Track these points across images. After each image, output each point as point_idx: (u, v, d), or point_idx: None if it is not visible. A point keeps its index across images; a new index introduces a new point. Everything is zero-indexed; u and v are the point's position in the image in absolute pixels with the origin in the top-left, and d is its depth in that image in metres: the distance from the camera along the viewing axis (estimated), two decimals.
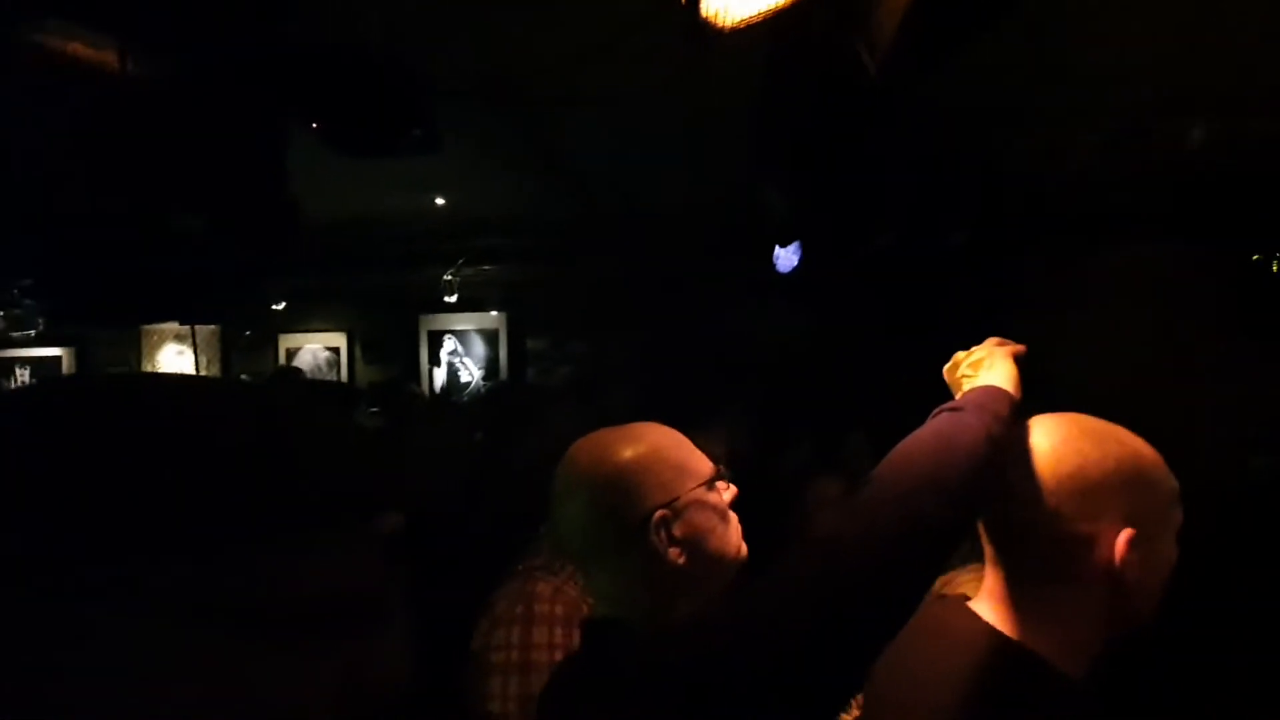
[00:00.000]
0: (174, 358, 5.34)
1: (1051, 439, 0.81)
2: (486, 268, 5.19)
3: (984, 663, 0.77)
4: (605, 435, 0.91)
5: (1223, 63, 2.45)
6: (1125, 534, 0.75)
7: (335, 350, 5.61)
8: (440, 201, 4.17)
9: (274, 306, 5.17)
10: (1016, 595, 0.81)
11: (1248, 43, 2.31)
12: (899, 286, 3.87)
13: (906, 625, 0.68)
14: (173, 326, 5.10)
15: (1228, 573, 2.02)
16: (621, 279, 4.83)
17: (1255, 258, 3.27)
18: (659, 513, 0.83)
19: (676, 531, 0.84)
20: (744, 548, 0.91)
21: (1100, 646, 0.79)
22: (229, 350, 5.51)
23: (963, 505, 0.73)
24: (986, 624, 0.81)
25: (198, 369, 4.92)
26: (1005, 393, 0.83)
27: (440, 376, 5.56)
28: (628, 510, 0.83)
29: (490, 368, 5.53)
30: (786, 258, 3.47)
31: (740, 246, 3.99)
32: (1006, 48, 2.41)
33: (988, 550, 0.87)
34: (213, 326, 5.17)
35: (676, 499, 0.85)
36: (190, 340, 5.08)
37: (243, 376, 5.18)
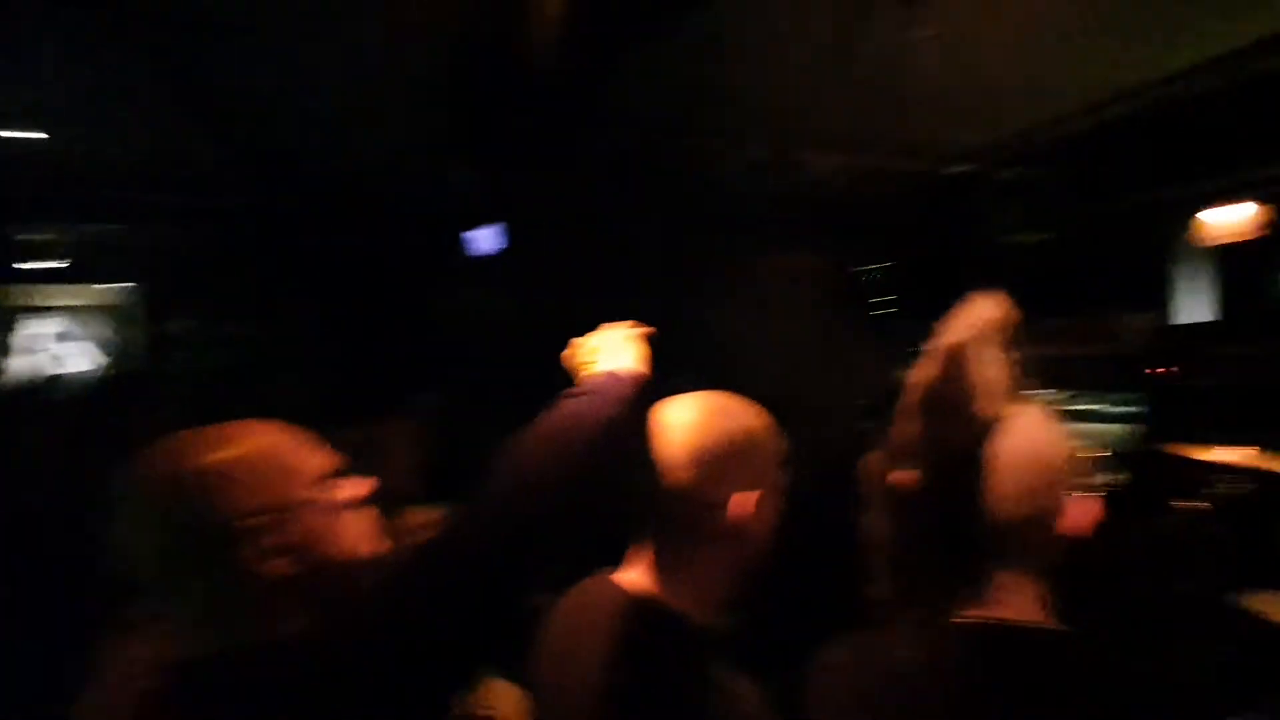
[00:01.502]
0: None
1: (688, 417, 0.90)
2: (112, 227, 4.11)
3: (624, 621, 0.83)
4: (187, 438, 0.77)
5: (842, 107, 3.05)
6: (751, 496, 0.86)
7: None
8: (42, 137, 3.14)
9: None
10: (659, 558, 0.91)
11: (859, 96, 2.91)
12: (597, 275, 4.05)
13: (557, 610, 0.69)
14: None
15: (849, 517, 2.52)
16: (293, 249, 4.20)
17: (860, 268, 4.25)
18: (251, 521, 0.73)
19: (277, 540, 0.75)
20: (368, 544, 0.83)
21: (728, 593, 0.90)
22: None
23: (580, 490, 0.76)
24: (623, 588, 0.88)
25: None
26: (629, 376, 0.88)
27: (38, 365, 4.27)
28: (210, 522, 0.72)
29: (119, 354, 4.41)
30: (481, 240, 3.39)
31: (437, 226, 3.79)
32: (681, 69, 2.69)
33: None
34: None
35: (275, 504, 0.76)
36: None
37: None
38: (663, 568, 0.89)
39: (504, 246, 3.47)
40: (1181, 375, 3.45)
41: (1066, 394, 4.02)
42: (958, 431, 0.87)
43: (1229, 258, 3.62)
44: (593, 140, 3.02)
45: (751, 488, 0.87)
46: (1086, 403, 3.95)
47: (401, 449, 1.68)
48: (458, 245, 3.44)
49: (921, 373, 0.94)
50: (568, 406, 0.82)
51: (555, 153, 2.81)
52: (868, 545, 0.91)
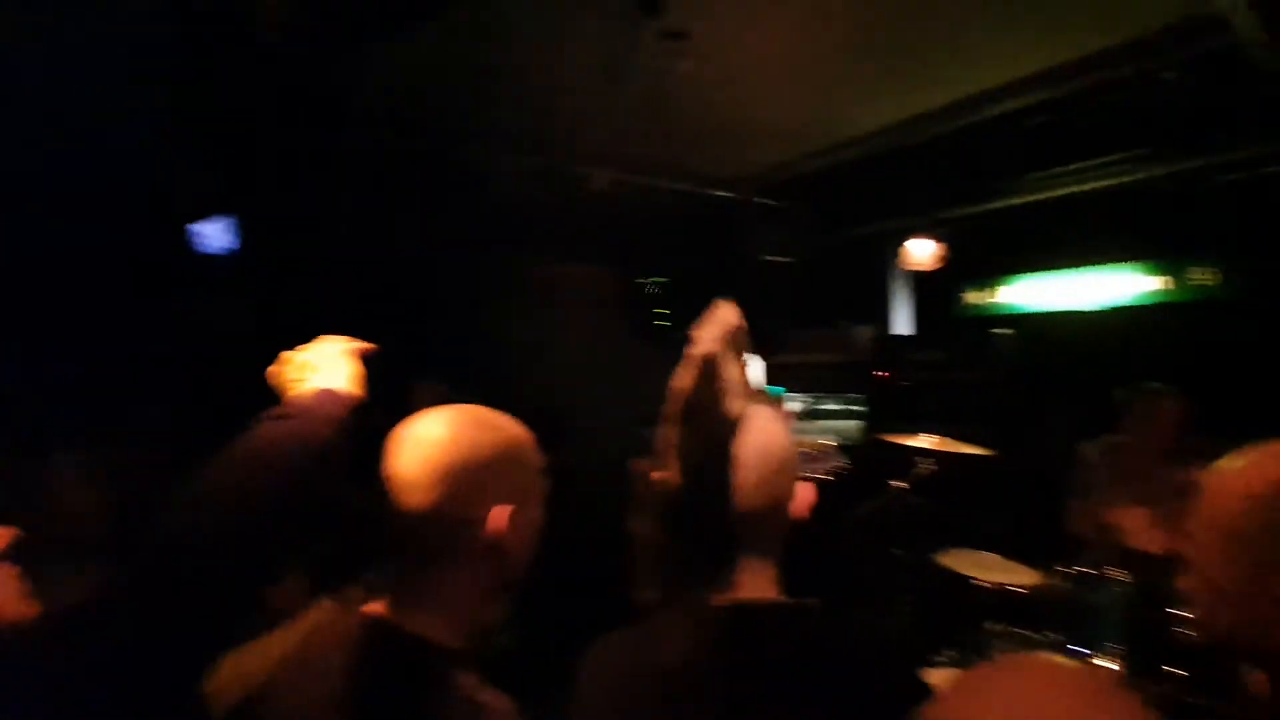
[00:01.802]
0: None
1: (435, 431, 0.84)
2: None
3: (364, 651, 0.78)
4: None
5: (616, 127, 3.20)
6: (505, 510, 0.82)
7: None
8: None
9: None
10: (408, 582, 0.84)
11: (632, 119, 3.06)
12: (345, 280, 3.73)
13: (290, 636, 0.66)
14: None
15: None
16: None
17: (640, 280, 4.48)
18: None
19: None
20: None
21: (484, 612, 0.85)
22: None
23: (280, 513, 0.71)
24: (361, 615, 0.82)
25: None
26: (341, 395, 0.82)
27: None
28: None
29: None
30: (210, 237, 2.93)
31: (162, 223, 3.22)
32: (452, 72, 2.63)
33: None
34: None
35: None
36: None
37: None
38: (413, 591, 0.83)
39: (236, 245, 3.04)
40: (892, 377, 4.18)
41: (811, 395, 4.66)
42: (710, 432, 0.94)
43: (923, 281, 4.47)
44: (347, 136, 2.81)
45: (507, 501, 0.83)
46: (827, 402, 4.62)
47: (75, 485, 1.33)
48: (185, 243, 2.95)
49: (680, 380, 1.00)
50: (266, 430, 0.74)
51: (294, 146, 2.56)
52: (635, 546, 0.94)
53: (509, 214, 3.93)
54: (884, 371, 4.21)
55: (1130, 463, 2.94)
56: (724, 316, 1.02)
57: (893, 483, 2.92)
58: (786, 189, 4.15)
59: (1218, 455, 0.79)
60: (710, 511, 0.91)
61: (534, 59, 2.58)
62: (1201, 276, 3.48)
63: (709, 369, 1.00)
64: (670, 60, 2.24)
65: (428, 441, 0.83)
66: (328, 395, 0.81)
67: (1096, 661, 2.29)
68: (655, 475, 0.97)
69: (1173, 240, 3.54)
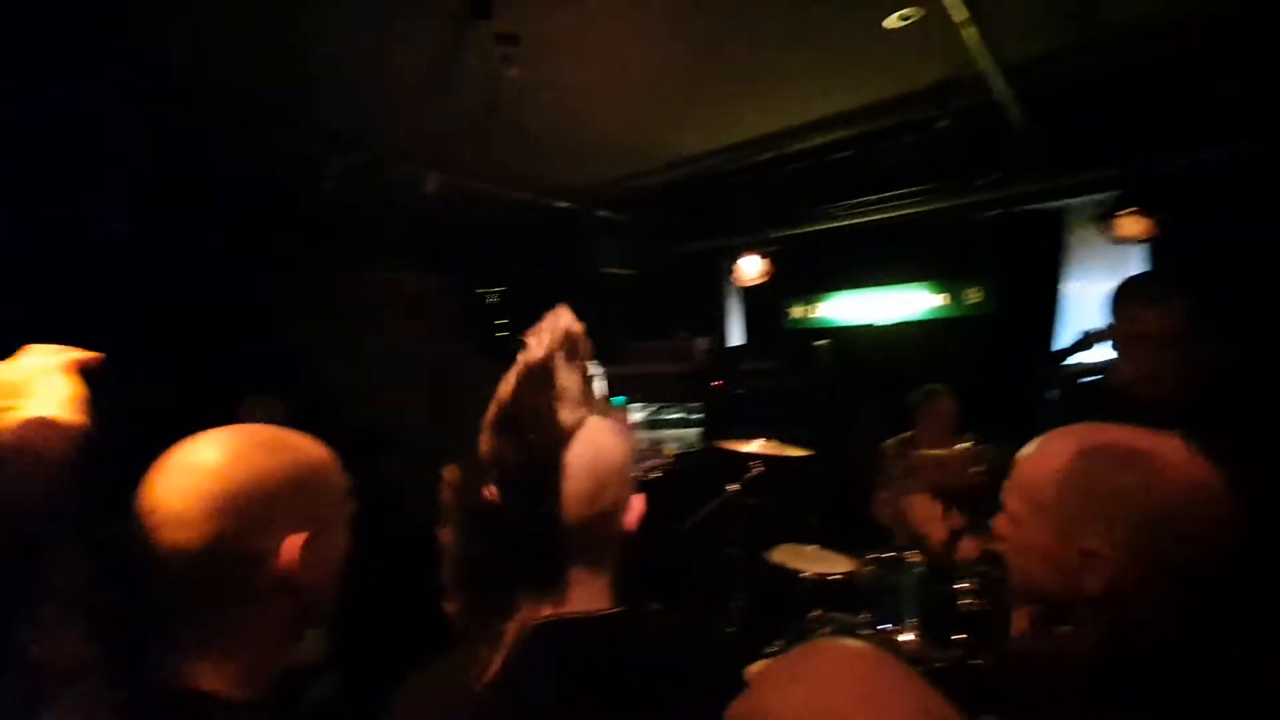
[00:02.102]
0: None
1: (212, 455, 0.74)
2: None
3: (138, 716, 0.67)
4: None
5: (446, 129, 3.09)
6: (298, 540, 0.74)
7: None
8: None
9: None
10: (183, 632, 0.73)
11: (464, 121, 2.98)
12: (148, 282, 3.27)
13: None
14: None
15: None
16: None
17: (479, 290, 4.36)
18: None
19: None
20: None
21: (281, 654, 0.77)
22: None
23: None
24: (151, 680, 0.71)
25: None
26: (59, 424, 0.67)
27: None
28: None
29: None
30: None
31: None
32: (267, 54, 2.41)
33: None
34: None
35: None
36: None
37: None
38: (194, 640, 0.73)
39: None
40: (727, 386, 4.45)
41: (653, 404, 4.81)
42: (537, 440, 0.90)
43: (754, 296, 4.80)
44: (136, 117, 2.46)
45: (300, 530, 0.75)
46: (669, 411, 4.80)
47: None
48: None
49: (505, 388, 0.97)
50: None
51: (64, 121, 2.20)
52: (448, 562, 0.88)
53: (335, 216, 3.65)
54: (719, 380, 4.46)
55: (918, 455, 3.35)
56: (559, 323, 1.01)
57: (728, 486, 3.09)
58: (627, 202, 4.26)
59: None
60: (536, 523, 0.88)
61: (361, 51, 2.43)
62: (972, 295, 4.09)
63: (538, 375, 0.97)
64: (502, 65, 2.21)
65: (199, 468, 0.73)
66: (39, 427, 0.65)
67: (900, 636, 2.58)
68: (477, 488, 0.92)
69: (951, 264, 4.13)
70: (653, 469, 3.94)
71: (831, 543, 3.20)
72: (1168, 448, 0.82)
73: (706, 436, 4.46)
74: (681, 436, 4.71)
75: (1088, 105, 3.05)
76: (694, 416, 4.67)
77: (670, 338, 4.82)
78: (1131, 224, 3.00)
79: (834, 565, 2.97)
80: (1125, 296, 1.75)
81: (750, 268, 3.95)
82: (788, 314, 4.78)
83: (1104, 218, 3.09)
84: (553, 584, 0.88)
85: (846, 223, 3.97)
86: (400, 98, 2.77)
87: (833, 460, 3.78)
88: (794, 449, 3.13)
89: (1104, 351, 1.84)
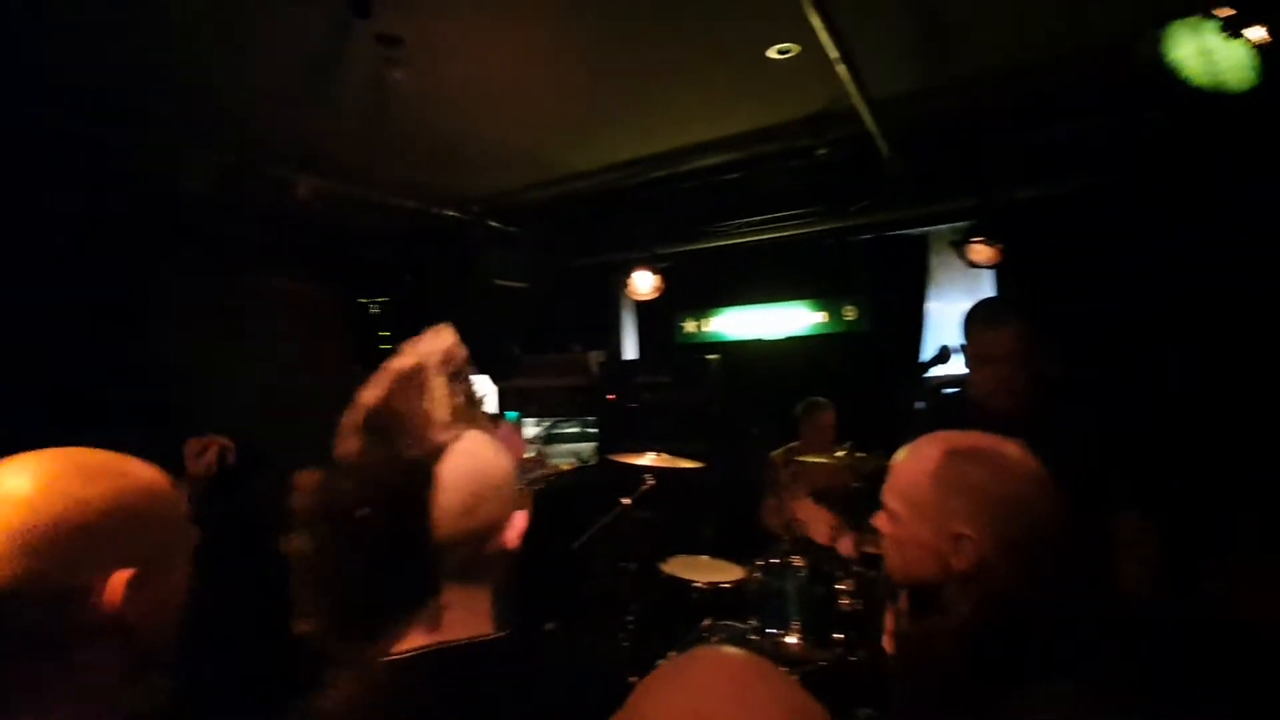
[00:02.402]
0: None
1: (20, 484, 0.64)
2: None
3: None
4: None
5: (325, 131, 2.94)
6: (123, 576, 0.66)
7: None
8: None
9: None
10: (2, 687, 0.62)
11: (343, 124, 2.83)
12: None
13: None
14: None
15: None
16: None
17: (362, 300, 4.13)
18: None
19: None
20: None
21: (115, 706, 0.67)
22: None
23: None
24: None
25: None
26: None
27: None
28: None
29: None
30: None
31: None
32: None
33: None
34: None
35: None
36: None
37: None
38: (12, 697, 0.63)
39: None
40: (621, 400, 4.48)
41: (549, 419, 4.75)
42: (405, 452, 0.85)
43: (648, 310, 4.87)
44: None
45: (128, 566, 0.69)
46: (565, 425, 4.76)
47: None
48: None
49: (372, 392, 0.90)
50: None
51: None
52: (303, 576, 0.80)
53: (204, 218, 3.35)
54: (613, 394, 4.48)
55: (802, 463, 3.52)
56: (438, 336, 0.97)
57: (622, 500, 3.10)
58: (521, 215, 4.20)
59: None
60: (404, 536, 0.82)
61: (233, 45, 2.25)
62: (849, 313, 4.37)
63: (409, 383, 0.91)
64: (384, 67, 2.12)
65: (5, 499, 0.65)
66: None
67: (785, 639, 2.67)
68: (341, 499, 0.83)
69: (830, 283, 4.40)
70: (544, 483, 3.89)
71: (723, 552, 3.28)
72: (1012, 448, 1.00)
73: (601, 450, 4.46)
74: (577, 450, 4.68)
75: (944, 142, 3.36)
76: (590, 430, 4.66)
77: (565, 351, 4.79)
78: (981, 250, 3.33)
79: (725, 574, 3.04)
80: (972, 321, 1.95)
81: (643, 283, 4.01)
82: (680, 329, 4.89)
83: (959, 244, 3.41)
84: (425, 606, 0.83)
85: (735, 241, 4.13)
86: (274, 96, 2.60)
87: (723, 471, 3.89)
88: (686, 461, 3.19)
89: (961, 364, 2.03)
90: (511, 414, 4.53)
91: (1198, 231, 2.92)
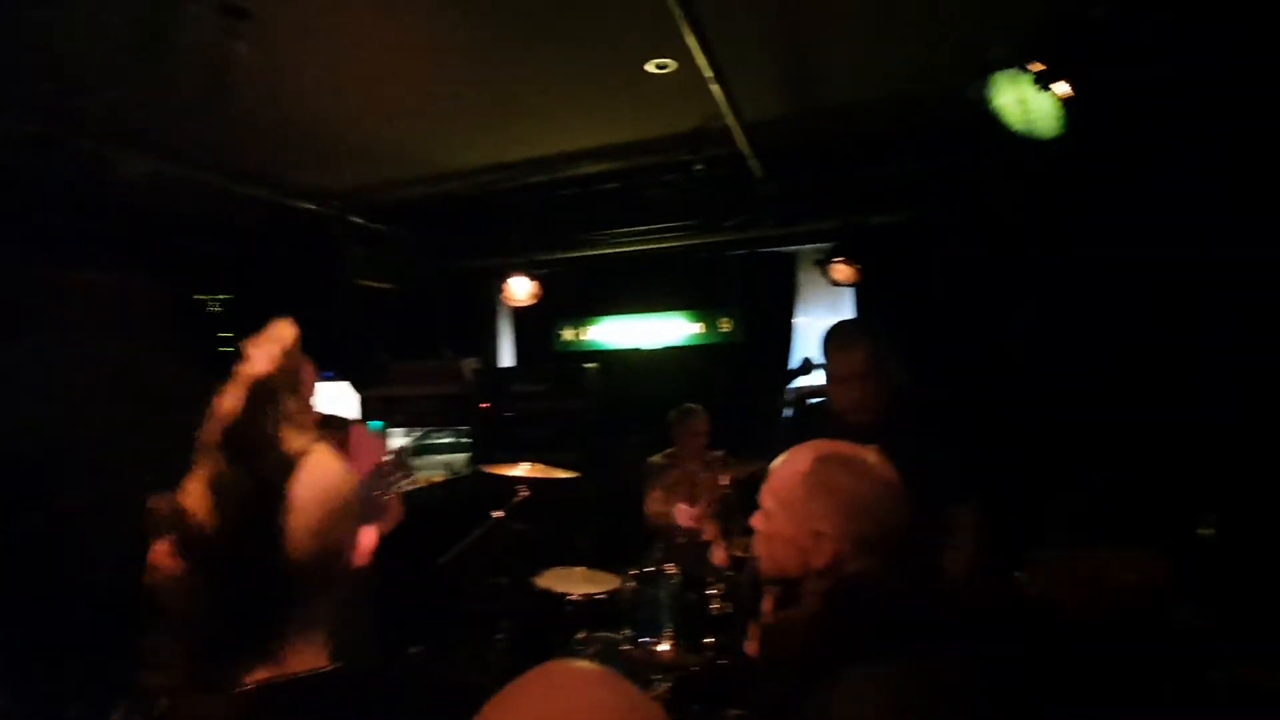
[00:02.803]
0: None
1: None
2: None
3: None
4: None
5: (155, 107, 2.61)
6: None
7: None
8: None
9: None
10: None
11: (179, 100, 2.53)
12: None
13: None
14: None
15: None
16: None
17: (200, 297, 3.70)
18: None
19: None
20: None
21: None
22: None
23: None
24: None
25: None
26: None
27: None
28: None
29: None
30: None
31: None
32: None
33: None
34: None
35: None
36: None
37: None
38: None
39: None
40: (496, 409, 4.34)
41: (420, 428, 4.51)
42: (258, 466, 0.78)
43: (526, 317, 4.78)
44: None
45: None
46: (438, 436, 4.52)
47: None
48: None
49: (230, 403, 0.80)
50: None
51: None
52: (149, 605, 0.73)
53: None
54: (488, 403, 4.32)
55: (678, 469, 3.59)
56: (281, 334, 0.87)
57: (494, 513, 2.98)
58: (389, 212, 3.96)
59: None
60: (255, 562, 0.75)
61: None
62: (724, 325, 4.53)
63: (265, 392, 0.83)
64: (228, 39, 1.91)
65: None
66: None
67: (658, 646, 2.69)
68: (188, 516, 0.75)
69: (707, 296, 4.54)
70: (413, 497, 3.67)
71: (600, 562, 3.25)
72: (872, 455, 1.14)
73: (474, 461, 4.29)
74: (451, 462, 4.47)
75: (811, 166, 3.57)
76: (464, 441, 4.47)
77: (436, 358, 4.57)
78: (842, 270, 3.57)
79: (600, 585, 3.01)
80: (827, 344, 2.11)
81: (520, 289, 3.92)
82: (558, 337, 4.83)
83: (822, 263, 3.63)
84: (270, 636, 0.76)
85: (613, 251, 4.15)
86: (91, 61, 2.26)
87: (601, 481, 3.87)
88: (561, 471, 3.14)
89: (823, 376, 2.16)
90: (375, 423, 4.24)
91: (1024, 261, 3.30)
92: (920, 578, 1.16)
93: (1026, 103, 1.56)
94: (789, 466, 1.14)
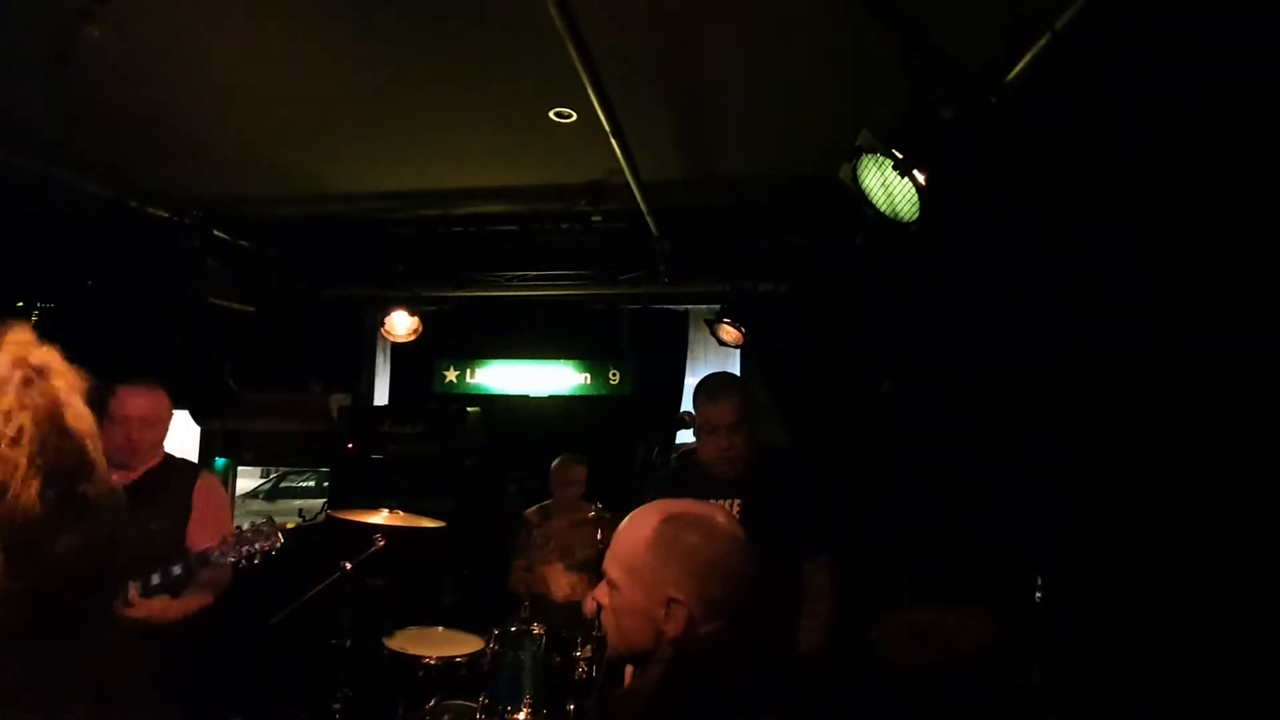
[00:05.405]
0: None
1: None
2: None
3: None
4: None
5: None
6: None
7: None
8: None
9: None
10: None
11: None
12: None
13: None
14: None
15: None
16: None
17: (19, 304, 3.20)
18: None
19: None
20: None
21: None
22: None
23: None
24: None
25: None
26: None
27: None
28: None
29: None
30: None
31: None
32: None
33: None
34: None
35: None
36: None
37: None
38: None
39: None
40: (362, 449, 4.02)
41: (275, 468, 4.09)
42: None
43: (405, 354, 4.53)
44: None
45: None
46: (299, 477, 4.12)
47: None
48: None
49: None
50: None
51: None
52: None
53: None
54: (353, 443, 4.00)
55: (553, 521, 3.46)
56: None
57: (344, 563, 2.71)
58: (258, 229, 3.65)
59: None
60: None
61: None
62: (613, 376, 4.51)
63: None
64: (79, 20, 1.71)
65: None
66: None
67: (516, 715, 2.50)
68: None
69: (597, 346, 4.52)
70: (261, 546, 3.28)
71: (464, 621, 3.02)
72: (718, 512, 1.08)
73: (332, 505, 3.93)
74: (308, 508, 4.08)
75: (704, 230, 3.69)
76: (327, 485, 4.09)
77: (302, 390, 4.20)
78: (729, 331, 3.67)
79: (460, 646, 2.79)
80: (697, 395, 2.14)
81: (401, 324, 3.72)
82: (441, 376, 4.61)
83: (711, 323, 3.72)
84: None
85: (505, 293, 4.06)
86: None
87: (473, 531, 3.65)
88: (426, 520, 2.92)
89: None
90: (220, 460, 3.80)
91: (894, 326, 3.52)
92: (771, 636, 1.12)
93: (890, 187, 1.67)
94: (633, 532, 1.05)
